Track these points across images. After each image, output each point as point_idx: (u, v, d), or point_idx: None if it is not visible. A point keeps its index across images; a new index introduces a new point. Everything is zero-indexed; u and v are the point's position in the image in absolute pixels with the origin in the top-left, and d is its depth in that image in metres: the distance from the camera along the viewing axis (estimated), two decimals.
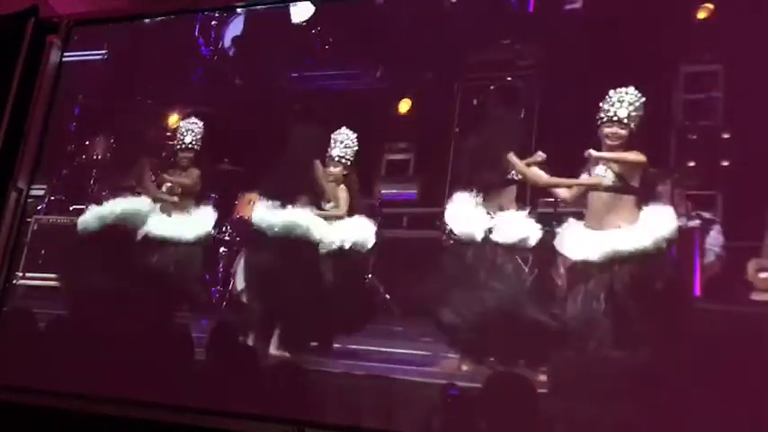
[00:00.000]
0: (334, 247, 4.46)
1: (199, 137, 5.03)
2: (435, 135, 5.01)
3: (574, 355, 3.63)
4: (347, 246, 4.46)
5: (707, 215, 3.90)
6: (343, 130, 4.62)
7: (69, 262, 5.09)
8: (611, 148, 3.85)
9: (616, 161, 3.81)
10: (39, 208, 5.58)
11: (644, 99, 3.86)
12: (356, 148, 4.62)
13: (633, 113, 3.84)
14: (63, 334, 4.65)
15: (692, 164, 4.31)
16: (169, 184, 5.03)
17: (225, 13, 5.89)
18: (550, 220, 4.56)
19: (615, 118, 3.83)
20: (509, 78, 4.92)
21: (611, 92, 3.88)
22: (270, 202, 4.57)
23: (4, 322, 4.91)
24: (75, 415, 4.02)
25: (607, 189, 3.81)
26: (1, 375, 4.35)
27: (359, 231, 4.52)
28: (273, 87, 5.64)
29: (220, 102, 5.58)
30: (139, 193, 5.07)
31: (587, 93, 4.11)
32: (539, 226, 4.12)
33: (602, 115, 3.88)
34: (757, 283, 3.59)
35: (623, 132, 3.83)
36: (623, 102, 3.84)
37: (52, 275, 5.16)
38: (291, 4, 5.52)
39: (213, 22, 5.99)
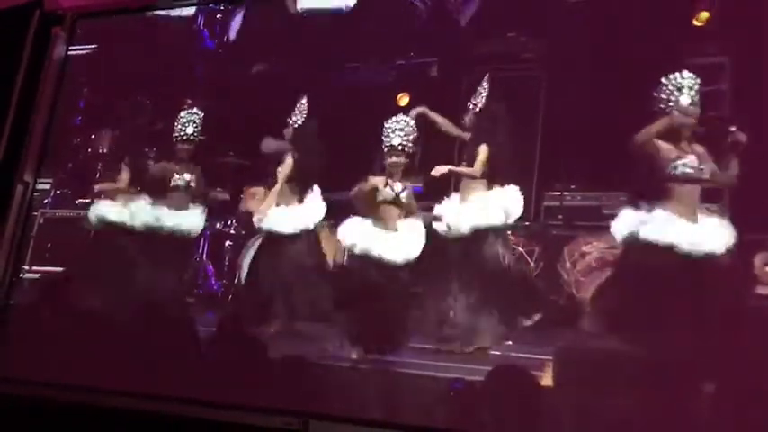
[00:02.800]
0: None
1: (199, 128, 4.87)
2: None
3: (578, 349, 3.62)
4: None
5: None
6: (400, 117, 4.28)
7: (75, 255, 5.10)
8: (679, 139, 3.52)
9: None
10: (45, 201, 5.59)
11: (699, 81, 3.52)
12: (416, 134, 4.28)
13: (696, 98, 3.49)
14: (69, 327, 4.66)
15: None
16: (181, 177, 4.83)
17: (230, 5, 5.87)
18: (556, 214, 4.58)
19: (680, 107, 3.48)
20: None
21: (664, 79, 3.54)
22: None
23: (12, 315, 4.93)
24: (82, 407, 4.03)
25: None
26: (9, 368, 4.37)
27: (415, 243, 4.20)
28: (279, 80, 5.62)
29: (226, 94, 5.56)
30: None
31: (593, 86, 4.08)
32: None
33: (662, 106, 3.54)
34: (764, 277, 3.56)
35: (692, 122, 3.50)
36: (682, 89, 3.48)
37: (58, 269, 5.17)
38: None
39: (218, 15, 5.97)
